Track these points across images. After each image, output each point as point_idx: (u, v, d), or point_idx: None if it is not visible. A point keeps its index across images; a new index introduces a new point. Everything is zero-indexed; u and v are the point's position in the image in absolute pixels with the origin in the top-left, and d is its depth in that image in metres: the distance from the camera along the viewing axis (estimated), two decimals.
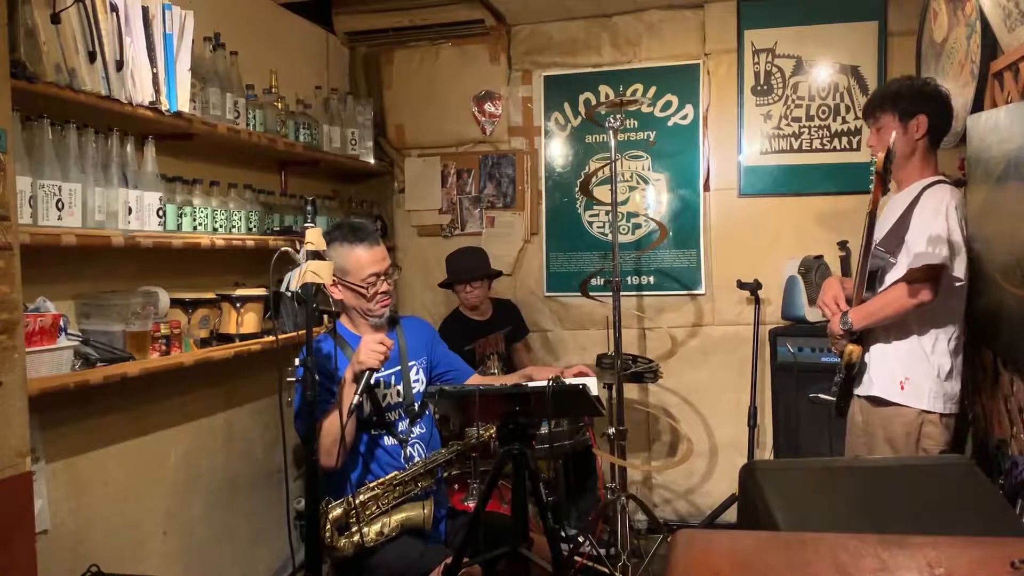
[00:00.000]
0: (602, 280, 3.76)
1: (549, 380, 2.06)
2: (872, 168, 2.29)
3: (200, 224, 2.65)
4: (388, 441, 2.44)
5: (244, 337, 2.74)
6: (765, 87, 3.80)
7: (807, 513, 1.65)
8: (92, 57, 2.09)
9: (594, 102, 3.98)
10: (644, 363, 3.53)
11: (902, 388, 2.42)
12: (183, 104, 2.44)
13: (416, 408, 2.51)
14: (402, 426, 2.48)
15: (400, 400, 2.51)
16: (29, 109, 2.04)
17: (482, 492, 2.14)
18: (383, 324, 2.53)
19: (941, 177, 2.48)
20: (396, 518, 2.32)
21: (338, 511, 2.27)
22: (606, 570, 3.12)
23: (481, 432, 2.57)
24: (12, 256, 1.67)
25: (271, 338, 2.70)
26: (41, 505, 2.11)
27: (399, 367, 2.52)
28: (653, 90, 3.93)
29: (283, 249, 2.09)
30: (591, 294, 3.75)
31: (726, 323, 3.89)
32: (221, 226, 2.75)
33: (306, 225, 2.15)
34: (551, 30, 4.05)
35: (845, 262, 3.59)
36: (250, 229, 2.91)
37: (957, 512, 1.66)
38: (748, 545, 1.48)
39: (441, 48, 4.18)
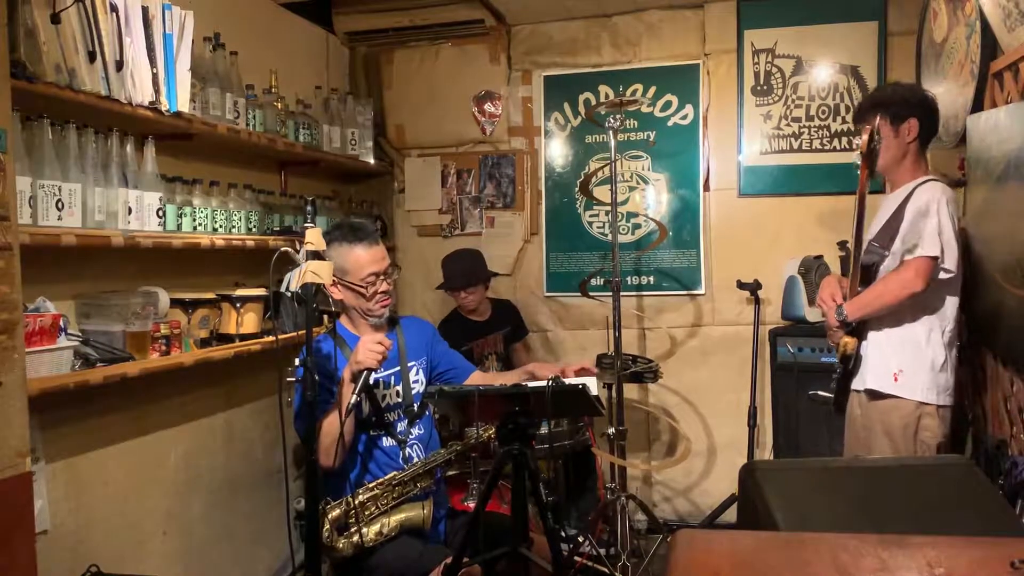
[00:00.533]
0: (602, 280, 3.76)
1: (549, 380, 2.06)
2: (858, 151, 2.37)
3: (200, 224, 2.65)
4: (387, 442, 2.44)
5: (244, 337, 2.74)
6: (765, 87, 3.80)
7: (807, 513, 1.65)
8: (92, 57, 2.09)
9: (594, 102, 3.98)
10: (644, 363, 3.52)
11: (896, 380, 2.46)
12: (183, 104, 2.44)
13: (415, 409, 2.51)
14: (401, 427, 2.48)
15: (400, 401, 2.51)
16: (29, 109, 2.03)
17: (482, 492, 2.14)
18: (383, 324, 2.53)
19: (933, 176, 2.53)
20: (395, 518, 2.32)
21: (337, 511, 2.27)
22: (606, 570, 3.12)
23: (480, 433, 2.57)
24: (12, 256, 1.67)
25: (271, 338, 2.70)
26: (41, 505, 2.11)
27: (398, 367, 2.52)
28: (653, 90, 3.93)
29: (283, 249, 2.09)
30: (591, 294, 3.75)
31: (726, 323, 3.89)
32: (221, 226, 2.75)
33: (306, 225, 2.15)
34: (551, 30, 4.05)
35: (845, 262, 3.58)
36: (250, 229, 2.91)
37: (957, 512, 1.66)
38: (748, 545, 1.48)
39: (441, 48, 4.18)
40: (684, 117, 3.92)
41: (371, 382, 2.27)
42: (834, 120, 3.72)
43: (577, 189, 4.01)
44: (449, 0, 3.77)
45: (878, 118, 2.54)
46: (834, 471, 1.91)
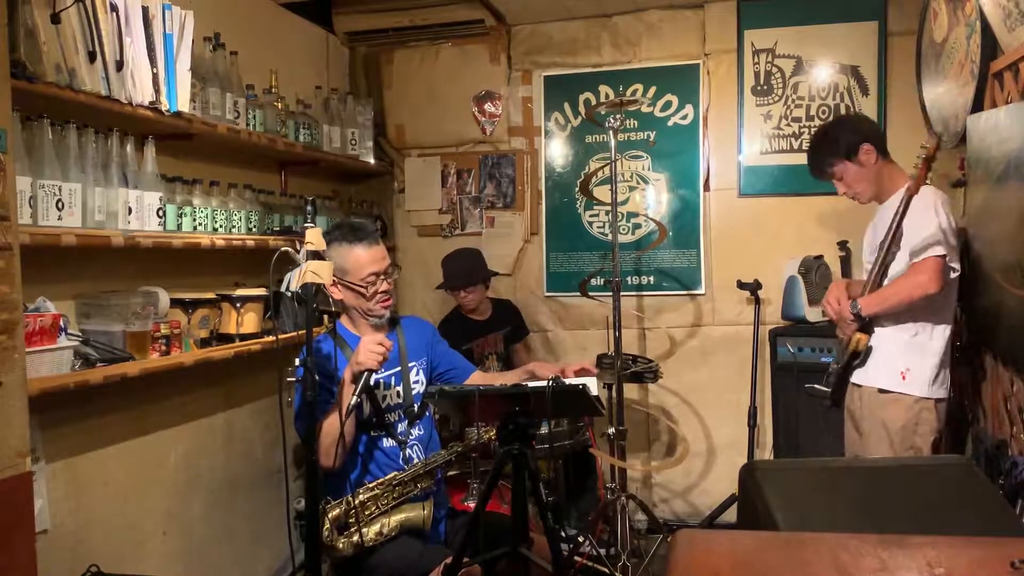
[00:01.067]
0: (602, 280, 3.76)
1: (549, 380, 2.06)
2: (922, 155, 2.42)
3: (200, 224, 2.65)
4: (387, 442, 2.44)
5: (244, 337, 2.74)
6: (765, 87, 3.80)
7: (807, 513, 1.65)
8: (92, 57, 2.09)
9: (594, 102, 3.98)
10: (644, 363, 3.52)
11: (903, 378, 2.54)
12: (183, 104, 2.44)
13: (416, 409, 2.51)
14: (401, 427, 2.48)
15: (400, 401, 2.50)
16: (29, 109, 2.03)
17: (482, 492, 2.14)
18: (383, 324, 2.53)
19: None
20: (395, 518, 2.32)
21: (337, 511, 2.27)
22: (606, 570, 3.12)
23: (480, 433, 2.57)
24: (12, 256, 1.67)
25: (271, 338, 2.70)
26: (41, 505, 2.11)
27: (399, 368, 2.52)
28: (653, 90, 3.93)
29: (283, 249, 2.09)
30: (591, 294, 3.75)
31: (726, 323, 3.89)
32: (221, 226, 2.75)
33: (306, 225, 2.15)
34: (551, 30, 4.05)
35: (845, 262, 3.59)
36: (250, 229, 2.91)
37: (957, 512, 1.66)
38: (748, 545, 1.48)
39: (441, 48, 4.18)
40: (684, 117, 3.92)
41: (371, 383, 2.27)
42: None
43: (577, 189, 4.01)
44: (449, 0, 3.77)
45: (836, 163, 2.67)
46: (834, 471, 1.91)
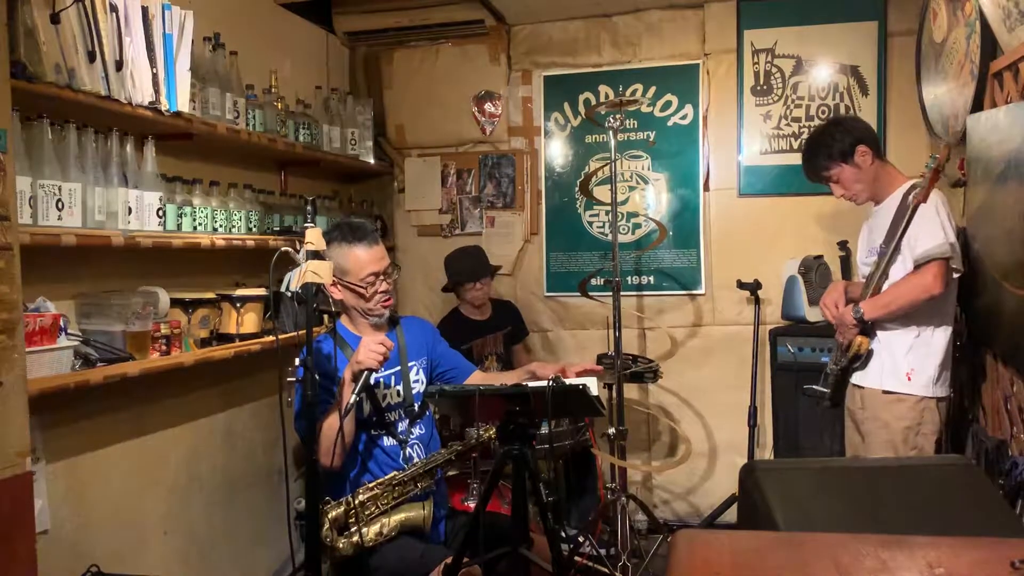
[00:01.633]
0: (602, 280, 3.76)
1: (549, 380, 2.06)
2: (932, 164, 2.42)
3: (200, 224, 2.65)
4: (387, 442, 2.44)
5: (244, 337, 2.74)
6: (765, 87, 3.80)
7: (807, 513, 1.65)
8: (92, 57, 2.09)
9: (594, 102, 3.98)
10: (644, 363, 3.53)
11: (909, 379, 2.55)
12: (183, 104, 2.44)
13: (416, 409, 2.51)
14: (402, 426, 2.48)
15: (400, 400, 2.50)
16: (29, 109, 2.03)
17: (482, 492, 2.14)
18: (383, 324, 2.53)
19: (916, 180, 2.57)
20: (395, 518, 2.32)
21: (337, 511, 2.27)
22: (606, 570, 3.12)
23: (481, 433, 2.57)
24: (12, 256, 1.66)
25: (271, 338, 2.70)
26: (41, 505, 2.11)
27: (399, 367, 2.52)
28: (653, 90, 3.93)
29: (283, 249, 2.09)
30: (591, 294, 3.75)
31: (726, 323, 3.88)
32: (221, 226, 2.75)
33: (306, 225, 2.15)
34: (551, 30, 4.05)
35: (845, 262, 3.59)
36: (250, 229, 2.91)
37: (957, 512, 1.66)
38: (748, 545, 1.48)
39: (441, 48, 4.18)
40: (684, 117, 3.92)
41: (371, 382, 2.27)
42: None
43: (577, 189, 4.01)
44: (449, 0, 3.77)
45: (832, 166, 2.66)
46: (834, 471, 1.91)
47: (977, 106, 2.51)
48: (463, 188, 4.23)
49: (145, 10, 2.30)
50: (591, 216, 4.06)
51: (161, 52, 2.36)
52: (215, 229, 2.72)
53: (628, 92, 3.91)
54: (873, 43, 3.64)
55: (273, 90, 3.15)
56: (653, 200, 3.98)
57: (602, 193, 3.71)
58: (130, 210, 2.31)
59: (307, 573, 2.06)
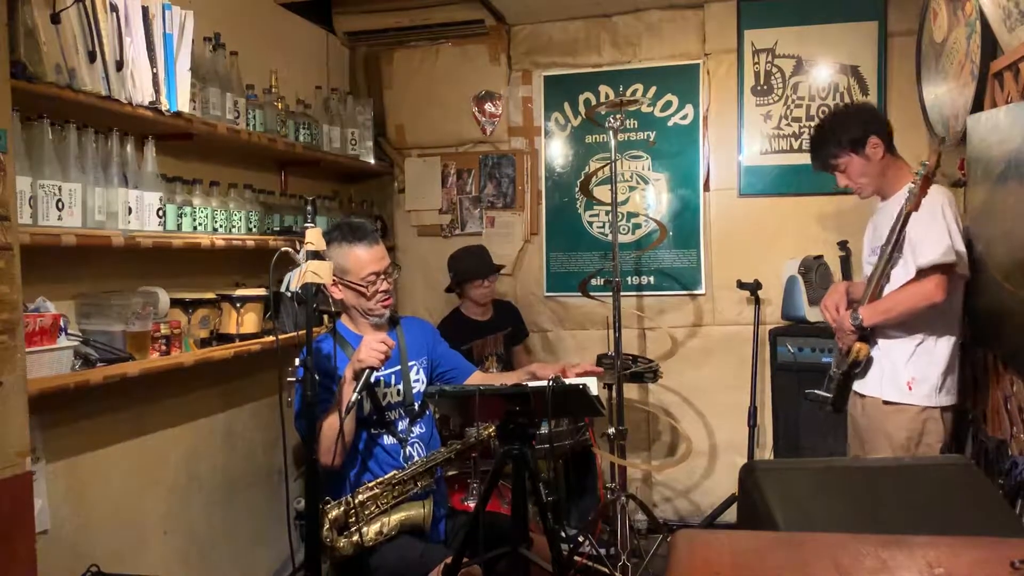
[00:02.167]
0: (602, 280, 3.76)
1: (549, 380, 2.07)
2: (921, 172, 2.30)
3: (200, 224, 2.65)
4: (388, 440, 2.44)
5: (244, 337, 2.74)
6: (765, 87, 3.80)
7: (807, 513, 1.65)
8: (92, 57, 2.09)
9: (594, 102, 3.98)
10: (644, 363, 3.53)
11: (910, 388, 2.47)
12: (183, 104, 2.44)
13: (416, 408, 2.52)
14: (402, 425, 2.48)
15: (400, 399, 2.51)
16: (29, 109, 2.03)
17: (482, 492, 2.14)
18: (384, 323, 2.53)
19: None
20: (395, 518, 2.32)
21: (337, 511, 2.27)
22: (606, 570, 3.12)
23: (480, 431, 2.57)
24: (12, 256, 1.67)
25: (271, 338, 2.70)
26: (41, 505, 2.11)
27: (399, 367, 2.52)
28: (653, 90, 3.93)
29: (283, 249, 2.09)
30: (591, 294, 3.75)
31: (726, 323, 3.88)
32: (221, 226, 2.75)
33: (306, 225, 2.15)
34: (551, 30, 4.05)
35: (845, 262, 3.59)
36: (250, 229, 2.91)
37: (957, 512, 1.66)
38: (748, 545, 1.48)
39: (441, 48, 4.18)
40: (684, 117, 3.92)
41: (372, 380, 2.27)
42: None
43: (577, 189, 4.01)
44: (449, 0, 3.77)
45: (841, 155, 2.56)
46: (834, 471, 1.91)
47: (977, 106, 2.51)
48: (463, 188, 4.23)
49: (145, 10, 2.30)
50: (591, 216, 4.06)
51: (161, 52, 2.36)
52: (215, 229, 2.72)
53: (628, 92, 3.91)
54: (873, 43, 3.64)
55: (273, 90, 3.15)
56: (653, 200, 3.98)
57: (602, 193, 3.71)
58: (130, 210, 2.31)
59: (307, 573, 2.06)
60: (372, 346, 2.22)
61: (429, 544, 2.37)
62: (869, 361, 2.55)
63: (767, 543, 1.49)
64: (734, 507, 3.41)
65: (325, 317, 3.00)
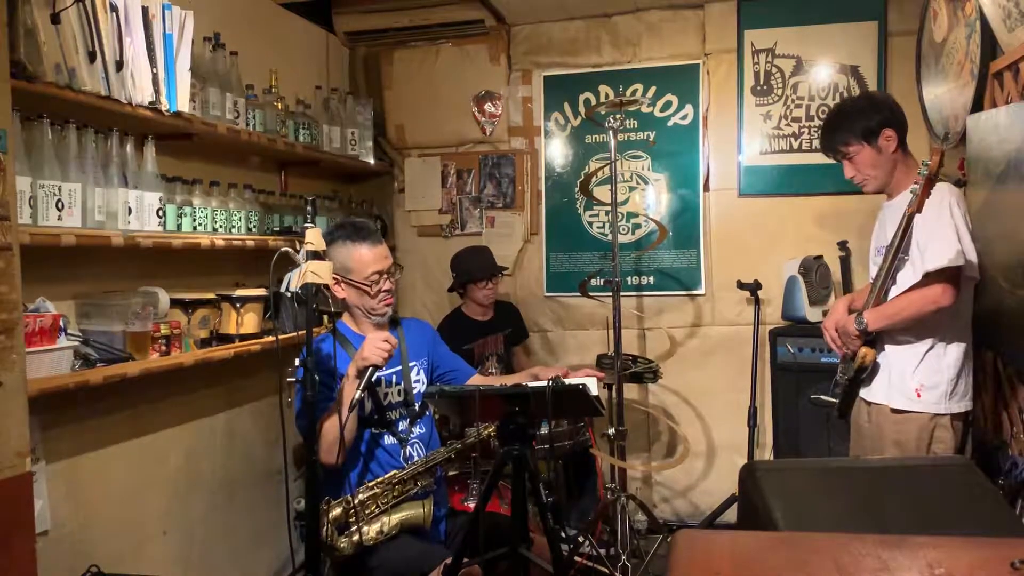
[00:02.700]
0: (602, 280, 3.75)
1: (549, 380, 2.07)
2: (923, 172, 2.21)
3: (200, 224, 2.65)
4: (388, 440, 2.45)
5: (244, 337, 2.74)
6: (765, 87, 3.80)
7: (807, 513, 1.65)
8: (92, 57, 2.09)
9: (594, 102, 3.98)
10: (644, 363, 3.53)
11: (918, 396, 2.39)
12: (183, 104, 2.44)
13: (416, 408, 2.52)
14: (402, 425, 2.49)
15: (401, 399, 2.51)
16: (29, 109, 2.03)
17: (482, 492, 2.14)
18: (385, 323, 2.54)
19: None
20: (395, 517, 2.32)
21: (337, 511, 2.27)
22: (606, 570, 3.12)
23: (480, 431, 2.57)
24: (12, 256, 1.67)
25: (271, 338, 2.70)
26: (41, 505, 2.11)
27: (400, 367, 2.52)
28: (653, 90, 3.93)
29: (283, 249, 2.09)
30: (591, 294, 3.75)
31: (726, 323, 3.88)
32: (221, 226, 2.75)
33: (306, 225, 2.15)
34: (551, 30, 4.05)
35: (845, 262, 3.59)
36: (250, 229, 2.91)
37: (957, 512, 1.66)
38: (748, 545, 1.48)
39: (441, 48, 4.18)
40: (684, 117, 3.92)
41: (374, 380, 2.28)
42: None
43: (577, 189, 4.01)
44: (449, 0, 3.77)
45: (853, 143, 2.45)
46: (834, 471, 1.90)
47: (977, 106, 2.50)
48: (463, 188, 4.23)
49: (145, 10, 2.30)
50: (591, 216, 4.06)
51: (161, 52, 2.36)
52: (215, 229, 2.72)
53: (628, 92, 3.91)
54: (873, 43, 3.64)
55: (273, 90, 3.15)
56: (653, 200, 3.98)
57: (602, 193, 3.71)
58: (130, 210, 2.31)
59: (307, 573, 2.06)
60: (377, 344, 2.22)
61: (429, 544, 2.37)
62: (875, 367, 2.47)
63: (767, 543, 1.49)
64: (734, 507, 3.41)
65: (325, 317, 3.01)
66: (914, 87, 3.26)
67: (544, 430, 3.11)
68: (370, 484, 2.34)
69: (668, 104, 3.93)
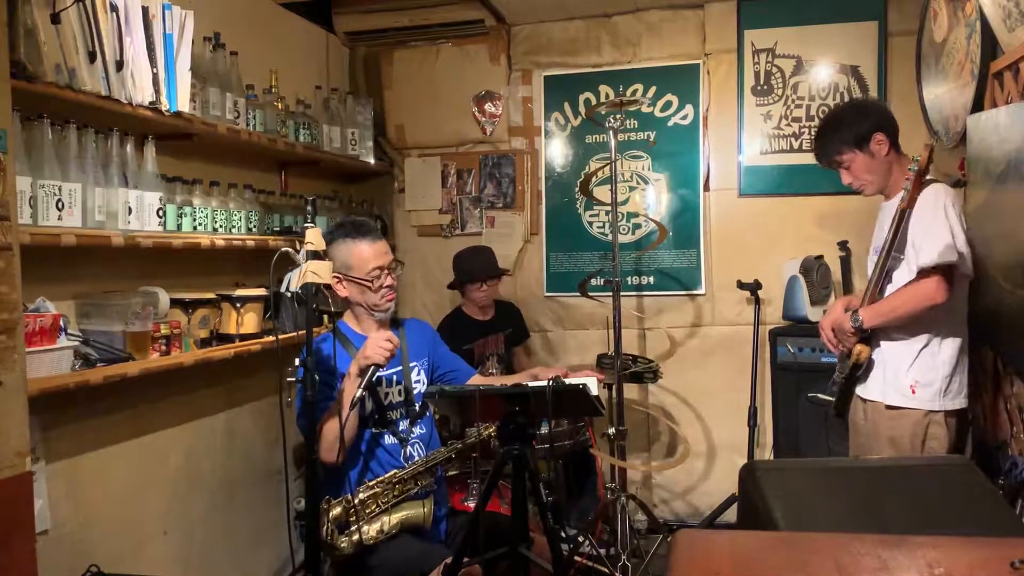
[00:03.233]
0: (602, 280, 3.75)
1: (549, 380, 2.07)
2: (914, 168, 2.28)
3: (200, 224, 2.65)
4: (388, 440, 2.45)
5: (244, 337, 2.74)
6: (765, 87, 3.80)
7: (807, 513, 1.65)
8: (92, 57, 2.09)
9: (594, 102, 3.98)
10: (644, 363, 3.52)
11: (913, 392, 2.41)
12: (183, 104, 2.44)
13: (417, 408, 2.52)
14: (403, 425, 2.49)
15: (401, 399, 2.51)
16: (29, 109, 2.03)
17: (482, 492, 2.14)
18: (387, 321, 2.54)
19: (932, 177, 2.46)
20: (396, 517, 2.32)
21: (338, 510, 2.27)
22: (606, 570, 3.12)
23: (480, 431, 2.57)
24: (12, 256, 1.67)
25: (271, 338, 2.70)
26: (41, 505, 2.11)
27: (401, 367, 2.53)
28: (653, 90, 3.93)
29: (283, 249, 2.09)
30: (591, 294, 3.74)
31: (726, 323, 3.88)
32: (221, 226, 2.75)
33: (306, 225, 2.15)
34: (551, 30, 4.05)
35: (845, 262, 3.59)
36: (250, 229, 2.91)
37: (957, 512, 1.66)
38: (748, 545, 1.48)
39: (441, 48, 4.18)
40: (684, 117, 3.92)
41: (374, 379, 2.28)
42: None
43: (577, 189, 4.01)
44: (449, 0, 3.77)
45: (846, 151, 2.50)
46: (834, 471, 1.90)
47: (977, 106, 2.51)
48: (463, 188, 4.23)
49: (145, 10, 2.30)
50: (591, 216, 4.06)
51: (161, 52, 2.36)
52: (215, 229, 2.72)
53: (628, 92, 3.91)
54: (873, 43, 3.64)
55: (273, 90, 3.15)
56: (653, 200, 3.98)
57: (602, 193, 3.71)
58: (130, 210, 2.31)
59: (307, 573, 2.06)
60: (379, 343, 2.23)
61: (429, 543, 2.37)
62: (871, 364, 2.49)
63: (767, 543, 1.49)
64: (734, 507, 3.41)
65: (325, 317, 3.01)
66: (914, 87, 3.27)
67: (544, 430, 3.11)
68: (370, 483, 2.34)
69: (668, 104, 3.93)
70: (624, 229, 4.00)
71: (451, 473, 3.00)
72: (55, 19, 1.97)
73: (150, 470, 2.63)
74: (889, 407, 2.45)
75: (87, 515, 2.35)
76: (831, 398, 2.63)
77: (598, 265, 3.95)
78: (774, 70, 3.78)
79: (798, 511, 1.65)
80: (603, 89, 3.99)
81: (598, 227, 4.05)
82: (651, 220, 3.93)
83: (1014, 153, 2.12)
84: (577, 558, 3.15)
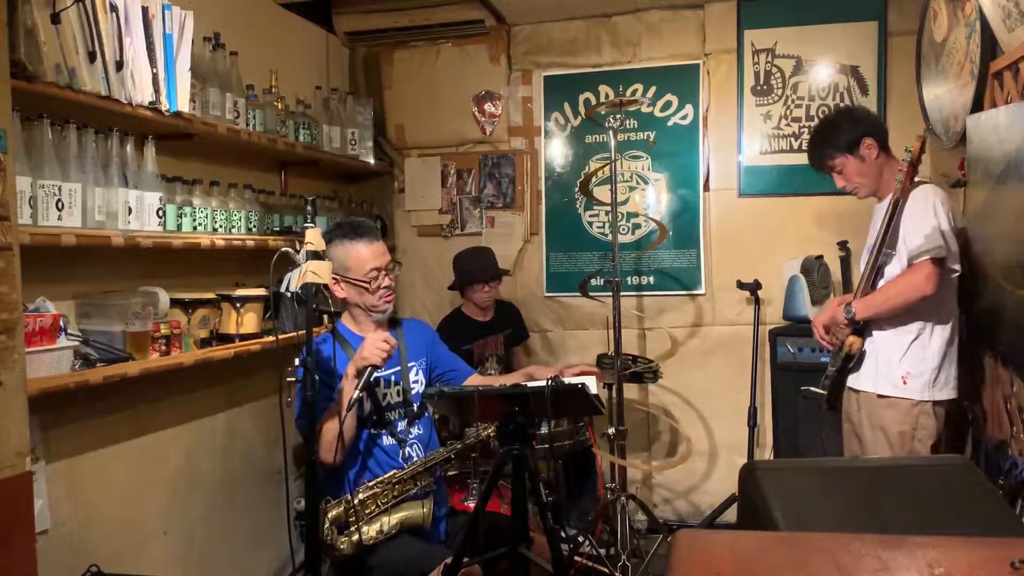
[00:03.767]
0: (602, 280, 3.75)
1: (548, 380, 2.07)
2: (906, 158, 2.39)
3: (200, 224, 2.65)
4: (387, 440, 2.45)
5: (244, 337, 2.74)
6: (765, 87, 3.80)
7: (807, 513, 1.65)
8: (92, 57, 2.09)
9: (594, 102, 3.98)
10: (644, 363, 3.52)
11: (904, 383, 2.50)
12: (183, 104, 2.44)
13: (415, 408, 2.52)
14: (401, 426, 2.49)
15: (399, 400, 2.51)
16: (29, 109, 2.03)
17: (482, 492, 2.14)
18: (385, 322, 2.54)
19: (922, 179, 2.56)
20: (395, 517, 2.32)
21: (337, 510, 2.27)
22: (606, 570, 3.12)
23: (479, 432, 2.57)
24: (12, 256, 1.67)
25: (271, 338, 2.70)
26: (41, 505, 2.11)
27: (399, 367, 2.52)
28: (653, 90, 3.93)
29: (283, 249, 2.09)
30: (591, 294, 3.74)
31: (726, 323, 3.88)
32: (221, 226, 2.75)
33: (306, 225, 2.15)
34: (551, 30, 4.05)
35: (845, 262, 3.59)
36: (250, 229, 2.91)
37: (957, 512, 1.66)
38: (748, 545, 1.48)
39: (441, 48, 4.18)
40: (684, 117, 3.92)
41: (372, 380, 2.28)
42: None
43: (577, 189, 4.01)
44: (449, 0, 3.77)
45: (837, 156, 2.63)
46: (834, 471, 1.91)
47: (977, 106, 2.51)
48: (463, 188, 4.23)
49: (145, 10, 2.30)
50: (591, 216, 4.06)
51: (161, 52, 2.36)
52: (215, 229, 2.72)
53: (628, 92, 3.91)
54: (873, 43, 3.64)
55: (273, 90, 3.15)
56: (653, 200, 3.98)
57: (602, 193, 3.71)
58: (130, 210, 2.31)
59: (307, 573, 2.06)
60: (376, 344, 2.23)
61: (429, 544, 2.37)
62: (862, 355, 2.58)
63: (767, 543, 1.49)
64: (734, 507, 3.41)
65: (325, 317, 3.00)
66: (914, 87, 3.27)
67: (544, 430, 3.10)
68: (370, 484, 2.34)
69: (668, 104, 3.93)
70: (624, 229, 4.00)
71: (451, 473, 3.00)
72: (55, 19, 1.97)
73: (150, 470, 2.63)
74: (881, 396, 2.54)
75: (87, 515, 2.35)
76: (823, 391, 2.71)
77: (598, 265, 3.95)
78: (774, 70, 3.78)
79: (798, 511, 1.65)
80: (603, 89, 3.99)
81: (598, 227, 4.05)
82: (651, 220, 3.93)
83: (1014, 153, 2.12)
84: (577, 558, 3.15)
